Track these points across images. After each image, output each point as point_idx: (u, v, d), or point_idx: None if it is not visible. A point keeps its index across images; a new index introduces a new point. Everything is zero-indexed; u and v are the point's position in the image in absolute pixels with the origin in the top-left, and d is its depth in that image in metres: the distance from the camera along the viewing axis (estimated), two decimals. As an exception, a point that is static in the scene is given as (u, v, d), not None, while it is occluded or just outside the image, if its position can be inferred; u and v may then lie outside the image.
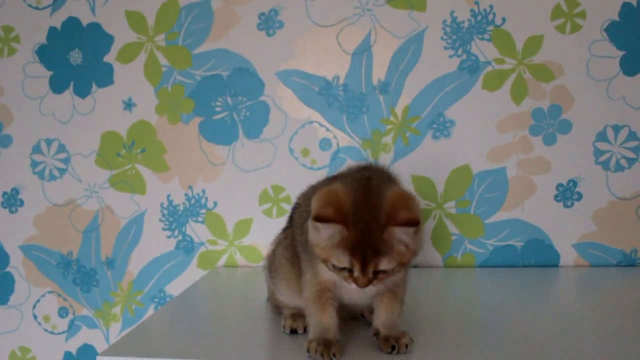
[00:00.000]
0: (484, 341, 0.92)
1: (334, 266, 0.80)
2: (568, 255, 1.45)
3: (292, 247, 0.98)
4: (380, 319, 0.90)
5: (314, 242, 0.82)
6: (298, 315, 0.97)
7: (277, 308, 1.05)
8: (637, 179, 1.42)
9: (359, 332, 0.96)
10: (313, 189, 0.99)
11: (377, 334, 0.89)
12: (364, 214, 0.78)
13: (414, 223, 0.77)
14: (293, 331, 0.95)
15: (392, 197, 0.80)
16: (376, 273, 0.79)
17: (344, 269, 0.80)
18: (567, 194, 1.43)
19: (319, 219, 0.78)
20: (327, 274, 0.86)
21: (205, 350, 0.90)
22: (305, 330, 0.95)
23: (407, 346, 0.85)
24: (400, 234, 0.78)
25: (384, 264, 0.79)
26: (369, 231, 0.78)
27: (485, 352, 0.87)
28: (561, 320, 1.01)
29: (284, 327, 0.96)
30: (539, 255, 1.45)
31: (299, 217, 0.96)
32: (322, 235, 0.80)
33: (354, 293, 0.88)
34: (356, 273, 0.79)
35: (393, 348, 0.85)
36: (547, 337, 0.92)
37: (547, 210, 1.44)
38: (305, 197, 0.98)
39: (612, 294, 1.22)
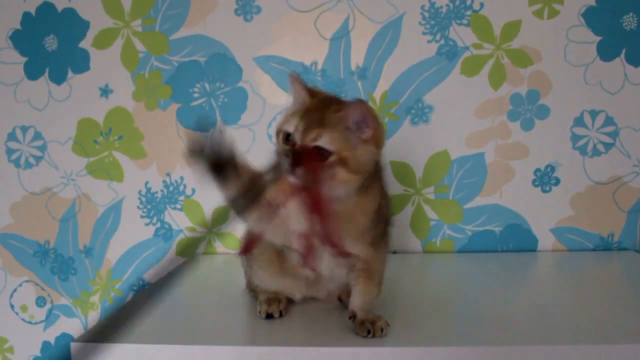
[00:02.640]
0: (462, 325, 0.93)
1: (284, 134, 0.84)
2: (546, 240, 1.46)
3: None
4: (357, 302, 0.90)
5: (279, 122, 0.88)
6: (273, 299, 0.97)
7: (253, 292, 1.05)
8: (614, 163, 1.43)
9: (337, 316, 0.96)
10: None
11: (353, 316, 0.89)
12: (327, 98, 0.88)
13: (359, 103, 0.80)
14: (269, 316, 0.95)
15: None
16: (316, 155, 0.80)
17: (287, 138, 0.83)
18: (545, 179, 1.44)
19: (292, 77, 0.88)
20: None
21: (183, 335, 0.89)
22: (281, 314, 0.95)
23: (382, 330, 0.85)
24: (347, 115, 0.81)
25: (325, 140, 0.80)
26: (324, 105, 0.84)
27: (463, 336, 0.87)
28: (539, 304, 1.02)
29: (259, 312, 0.96)
30: (517, 240, 1.46)
31: None
32: (292, 98, 0.89)
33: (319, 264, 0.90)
34: (297, 137, 0.81)
35: (369, 332, 0.85)
36: (525, 321, 0.92)
37: (525, 195, 1.45)
38: None
39: (589, 278, 1.24)
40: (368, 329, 0.85)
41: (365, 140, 0.82)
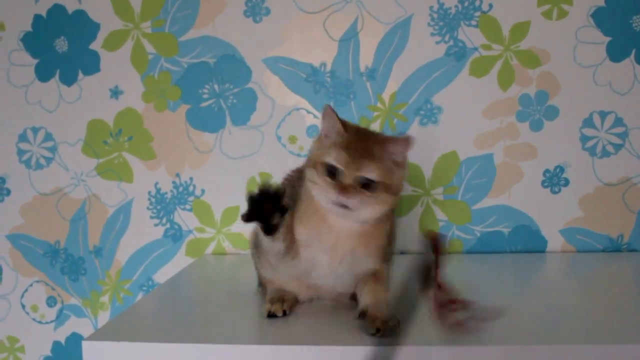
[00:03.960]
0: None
1: (325, 166, 0.86)
2: (555, 241, 1.45)
3: None
4: (366, 299, 0.89)
5: (314, 152, 0.91)
6: (278, 299, 0.97)
7: (263, 288, 1.05)
8: (623, 164, 1.43)
9: (343, 315, 0.96)
10: (299, 173, 1.02)
11: (362, 314, 0.88)
12: (361, 132, 0.91)
13: (407, 140, 0.86)
14: (272, 315, 0.94)
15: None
16: (362, 185, 0.85)
17: (330, 173, 0.86)
18: (554, 180, 1.44)
19: (327, 110, 0.89)
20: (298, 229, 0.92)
21: (192, 334, 0.89)
22: (285, 314, 0.95)
23: (393, 329, 0.84)
24: (394, 149, 0.87)
25: (371, 171, 0.85)
26: (363, 138, 0.88)
27: (471, 336, 0.87)
28: (548, 305, 1.01)
29: (263, 312, 0.95)
30: (526, 241, 1.46)
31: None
32: (323, 128, 0.90)
33: (326, 273, 0.92)
34: (343, 171, 0.85)
35: (377, 330, 0.83)
36: (534, 322, 0.92)
37: (534, 196, 1.44)
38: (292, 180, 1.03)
39: (598, 279, 1.23)
40: (377, 327, 0.84)
41: (398, 164, 0.89)
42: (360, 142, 0.87)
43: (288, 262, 0.93)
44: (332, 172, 0.87)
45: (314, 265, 0.92)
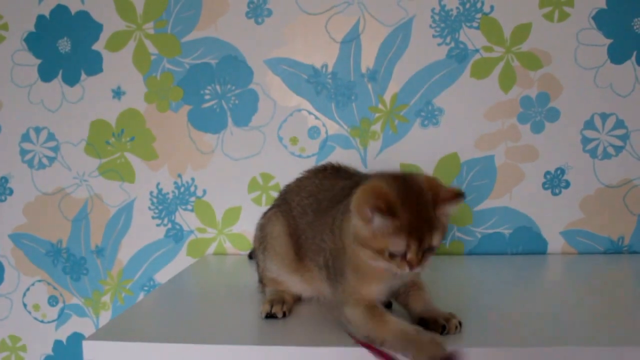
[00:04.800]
0: (470, 327, 0.92)
1: (390, 254, 0.80)
2: (556, 243, 1.46)
3: (292, 226, 0.99)
4: (418, 307, 0.90)
5: (364, 236, 0.81)
6: (278, 300, 0.97)
7: (264, 287, 1.05)
8: (624, 166, 1.43)
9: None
10: (299, 182, 1.04)
11: (421, 321, 0.87)
12: (411, 199, 0.79)
13: (461, 195, 0.81)
14: (270, 316, 0.94)
15: (426, 181, 0.82)
16: (425, 252, 0.80)
17: (396, 255, 0.79)
18: (555, 181, 1.44)
19: (375, 210, 0.77)
20: (367, 290, 0.86)
21: (193, 334, 0.90)
22: (284, 315, 0.95)
23: (456, 327, 0.85)
24: (449, 208, 0.81)
25: (436, 240, 0.80)
26: (420, 212, 0.79)
27: (471, 338, 0.87)
28: (548, 307, 1.01)
29: (261, 312, 0.96)
30: (527, 243, 1.46)
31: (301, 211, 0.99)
32: (373, 228, 0.79)
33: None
34: (411, 255, 0.79)
35: (443, 328, 0.84)
36: (534, 325, 0.92)
37: (535, 198, 1.45)
38: (294, 192, 1.03)
39: (599, 282, 1.23)
40: (442, 324, 0.85)
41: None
42: (419, 217, 0.79)
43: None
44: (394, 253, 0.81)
45: None
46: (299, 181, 1.05)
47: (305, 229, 0.96)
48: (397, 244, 0.78)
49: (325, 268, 0.91)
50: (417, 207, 0.79)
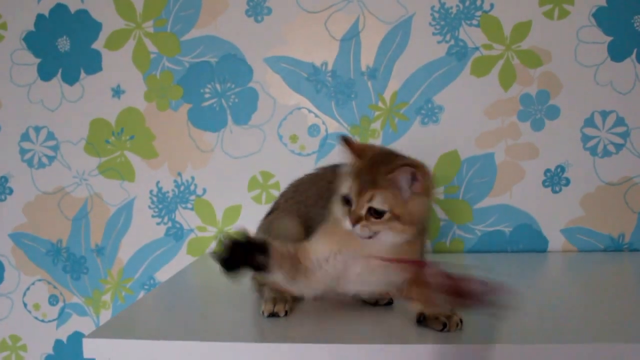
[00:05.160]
0: (471, 324, 0.92)
1: (343, 199, 0.87)
2: (556, 241, 1.45)
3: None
4: (418, 304, 0.90)
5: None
6: (279, 299, 0.97)
7: (258, 286, 1.04)
8: (624, 164, 1.43)
9: (345, 313, 0.96)
10: (295, 187, 1.07)
11: (421, 319, 0.88)
12: (376, 156, 0.87)
13: (410, 165, 0.82)
14: (273, 315, 0.94)
15: (403, 157, 0.88)
16: (369, 213, 0.83)
17: (345, 199, 0.86)
18: (555, 179, 1.44)
19: (340, 141, 0.88)
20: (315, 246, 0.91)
21: (193, 332, 0.90)
22: (286, 313, 0.95)
23: (457, 325, 0.86)
24: (398, 176, 0.83)
25: (378, 200, 0.83)
26: (373, 166, 0.85)
27: (472, 335, 0.87)
28: (549, 305, 1.01)
29: (262, 312, 0.95)
30: (527, 241, 1.46)
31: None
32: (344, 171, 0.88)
33: (355, 282, 0.91)
34: (353, 198, 0.84)
35: (444, 325, 0.85)
36: (534, 322, 0.92)
37: (536, 195, 1.44)
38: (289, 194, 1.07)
39: (599, 279, 1.23)
40: (443, 321, 0.85)
41: (416, 192, 0.85)
42: (371, 170, 0.85)
43: (302, 282, 0.92)
44: (347, 202, 0.86)
45: (344, 276, 0.91)
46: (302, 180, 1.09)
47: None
48: (345, 186, 0.86)
49: None
50: (373, 165, 0.85)
